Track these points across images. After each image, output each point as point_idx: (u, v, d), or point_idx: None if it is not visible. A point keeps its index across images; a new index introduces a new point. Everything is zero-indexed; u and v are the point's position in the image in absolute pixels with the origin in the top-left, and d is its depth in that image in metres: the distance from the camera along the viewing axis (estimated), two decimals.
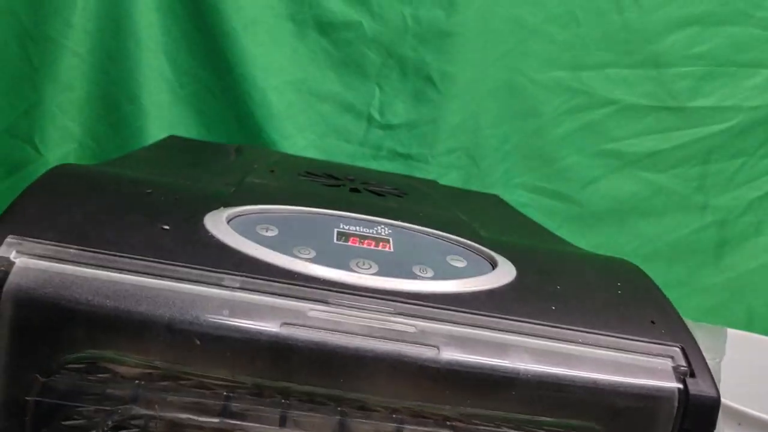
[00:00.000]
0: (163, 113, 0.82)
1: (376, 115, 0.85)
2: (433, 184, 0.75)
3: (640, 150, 0.86)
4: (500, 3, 0.81)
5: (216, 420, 0.34)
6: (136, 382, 0.35)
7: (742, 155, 0.87)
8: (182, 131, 0.82)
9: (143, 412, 0.34)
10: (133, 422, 0.38)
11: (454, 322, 0.34)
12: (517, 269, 0.39)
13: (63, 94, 0.80)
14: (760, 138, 0.87)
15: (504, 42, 0.82)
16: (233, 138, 0.82)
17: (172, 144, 0.69)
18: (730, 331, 0.70)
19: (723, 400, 0.50)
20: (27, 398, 0.33)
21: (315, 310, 0.33)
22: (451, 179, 0.84)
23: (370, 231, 0.40)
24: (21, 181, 0.81)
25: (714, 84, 0.84)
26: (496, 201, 0.72)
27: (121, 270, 0.32)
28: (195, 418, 0.34)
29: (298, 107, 0.84)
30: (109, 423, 0.34)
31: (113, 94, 0.81)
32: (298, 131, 0.84)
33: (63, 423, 0.37)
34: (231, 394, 0.35)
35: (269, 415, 0.35)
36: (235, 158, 0.63)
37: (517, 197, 0.85)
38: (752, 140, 0.87)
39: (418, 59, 0.82)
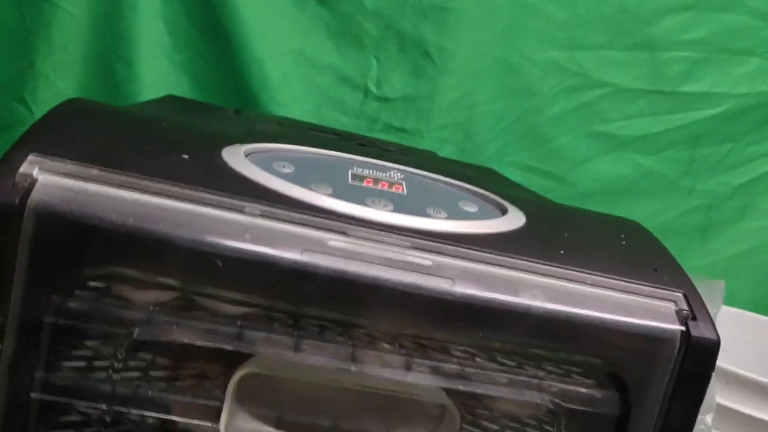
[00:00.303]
0: (158, 78, 0.82)
1: (373, 88, 0.85)
2: (431, 153, 0.76)
3: (631, 132, 0.88)
4: None
5: (230, 346, 0.35)
6: (151, 308, 0.35)
7: (730, 141, 0.89)
8: None
9: (158, 338, 0.35)
10: (140, 354, 0.39)
11: (469, 259, 0.35)
12: (527, 217, 0.40)
13: (57, 56, 0.80)
14: (749, 125, 0.89)
15: (502, 19, 0.83)
16: (229, 105, 0.82)
17: (171, 101, 0.69)
18: None
19: None
20: (44, 319, 0.33)
21: (335, 240, 0.34)
22: (445, 154, 0.85)
23: (384, 174, 0.41)
24: (12, 141, 0.80)
25: (706, 69, 0.86)
26: (493, 172, 0.73)
27: (144, 191, 0.33)
28: (210, 344, 0.34)
29: (295, 77, 0.84)
30: (125, 345, 0.34)
31: (108, 57, 0.81)
32: (295, 101, 0.84)
33: (74, 351, 0.37)
34: (245, 323, 0.35)
35: (282, 343, 0.35)
36: (236, 116, 0.64)
37: (509, 174, 0.85)
38: (740, 127, 0.89)
39: (416, 33, 0.83)
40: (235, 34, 0.81)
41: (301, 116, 0.84)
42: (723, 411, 0.51)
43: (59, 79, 0.81)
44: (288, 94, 0.84)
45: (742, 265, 0.91)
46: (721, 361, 0.51)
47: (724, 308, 0.70)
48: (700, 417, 0.44)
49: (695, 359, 0.36)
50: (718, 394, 0.50)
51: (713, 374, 0.44)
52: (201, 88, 0.84)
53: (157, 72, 0.82)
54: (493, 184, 0.51)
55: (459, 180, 0.45)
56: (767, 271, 0.92)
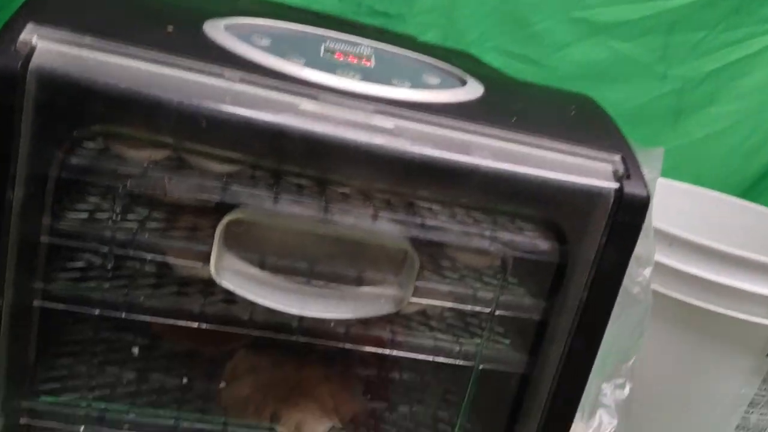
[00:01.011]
0: None
1: None
2: (410, 37, 0.78)
3: (609, 19, 0.90)
4: None
5: (217, 198, 0.39)
6: (145, 164, 0.39)
7: (703, 29, 0.92)
8: None
9: (153, 191, 0.39)
10: (137, 209, 0.44)
11: (427, 122, 0.39)
12: (485, 88, 0.44)
13: None
14: (722, 13, 0.91)
15: None
16: None
17: None
18: (680, 184, 0.78)
19: (658, 225, 0.56)
20: (49, 173, 0.37)
21: (306, 104, 0.38)
22: (428, 38, 0.87)
23: (354, 49, 0.44)
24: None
25: None
26: (469, 55, 0.75)
27: (133, 57, 0.36)
28: (198, 196, 0.39)
29: None
30: (122, 196, 0.39)
31: None
32: None
33: (77, 204, 0.42)
34: (230, 179, 0.40)
35: (264, 197, 0.40)
36: None
37: (490, 59, 0.88)
38: (714, 14, 0.91)
39: None
40: None
41: None
42: (664, 269, 0.56)
43: None
44: None
45: (710, 146, 0.96)
46: (666, 225, 0.57)
47: (676, 183, 0.75)
48: (640, 270, 0.50)
49: (627, 213, 0.41)
50: (662, 254, 0.56)
51: (653, 235, 0.50)
52: None
53: None
54: (463, 63, 0.54)
55: (427, 53, 0.48)
56: (734, 152, 0.97)
